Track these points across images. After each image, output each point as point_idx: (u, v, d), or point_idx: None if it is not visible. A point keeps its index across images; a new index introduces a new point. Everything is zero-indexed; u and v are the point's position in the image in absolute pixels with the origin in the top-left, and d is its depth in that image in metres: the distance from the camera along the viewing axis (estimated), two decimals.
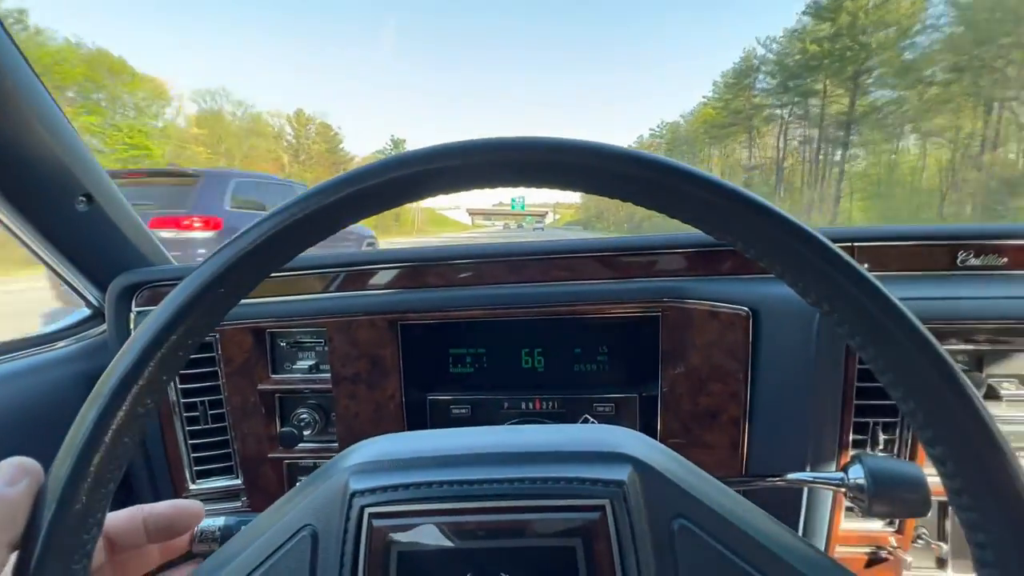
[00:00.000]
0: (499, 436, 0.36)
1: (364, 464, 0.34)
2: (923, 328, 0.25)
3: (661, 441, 0.77)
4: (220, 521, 0.59)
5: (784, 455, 0.69)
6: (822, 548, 0.66)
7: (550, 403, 0.85)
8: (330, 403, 0.83)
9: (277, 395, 0.85)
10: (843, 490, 0.49)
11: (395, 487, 0.32)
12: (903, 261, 0.76)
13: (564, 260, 0.81)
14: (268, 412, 0.84)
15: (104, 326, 0.86)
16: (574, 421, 0.84)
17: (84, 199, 0.74)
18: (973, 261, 0.74)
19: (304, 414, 0.84)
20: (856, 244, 0.75)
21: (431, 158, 0.27)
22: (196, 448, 0.84)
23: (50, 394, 0.76)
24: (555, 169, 0.27)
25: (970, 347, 0.62)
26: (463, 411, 0.87)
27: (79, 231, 0.77)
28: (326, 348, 0.82)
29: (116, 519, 0.41)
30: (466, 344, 0.94)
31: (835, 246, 0.26)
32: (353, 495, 0.32)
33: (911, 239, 0.75)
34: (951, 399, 0.24)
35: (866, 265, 0.76)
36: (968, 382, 0.24)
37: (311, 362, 0.85)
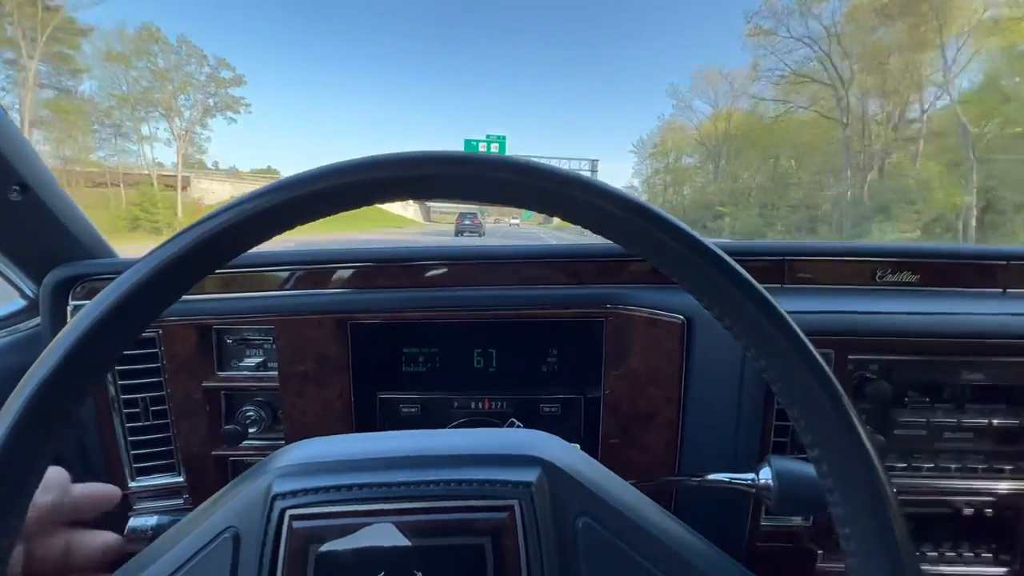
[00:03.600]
0: (420, 440, 0.38)
1: (288, 467, 0.36)
2: (807, 341, 0.28)
3: (602, 441, 0.81)
4: (152, 520, 0.59)
5: (714, 456, 0.73)
6: (745, 544, 0.70)
7: (499, 403, 0.87)
8: (277, 401, 0.83)
9: (223, 392, 0.84)
10: (753, 490, 0.53)
11: (315, 490, 0.34)
12: (829, 275, 0.81)
13: (514, 265, 0.83)
14: (213, 409, 0.83)
15: (39, 319, 0.83)
16: (523, 420, 0.86)
17: (18, 188, 0.71)
18: (890, 277, 0.80)
19: (251, 412, 0.83)
20: (787, 258, 0.80)
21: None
22: (136, 445, 0.82)
23: None
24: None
25: (881, 357, 0.67)
26: (413, 410, 0.88)
27: (12, 221, 0.74)
28: (274, 346, 0.81)
29: None
30: (419, 344, 0.95)
31: (706, 241, 0.28)
32: (275, 497, 0.33)
33: (836, 255, 0.81)
34: (828, 408, 0.27)
35: (802, 280, 0.81)
36: (843, 393, 0.27)
37: (258, 359, 0.84)
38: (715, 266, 0.28)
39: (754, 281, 0.28)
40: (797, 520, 0.70)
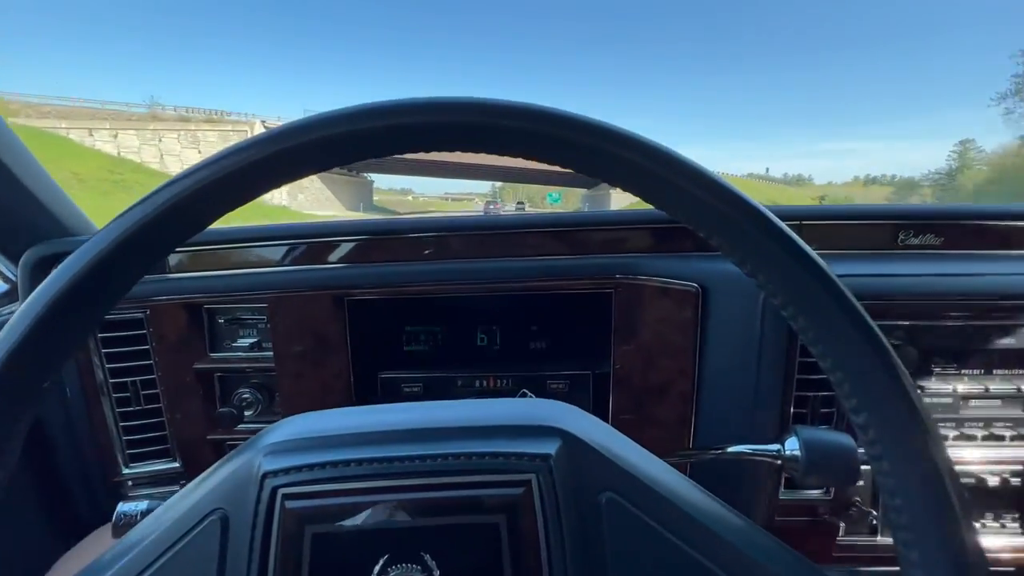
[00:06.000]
0: (426, 412, 0.35)
1: (279, 444, 0.32)
2: (855, 301, 0.25)
3: (613, 418, 0.78)
4: (143, 505, 0.56)
5: (730, 428, 0.70)
6: (763, 518, 0.68)
7: (504, 381, 0.84)
8: (274, 382, 0.80)
9: (217, 374, 0.81)
10: (779, 461, 0.50)
11: (310, 466, 0.31)
12: (848, 240, 0.77)
13: (517, 235, 0.79)
14: (207, 392, 0.80)
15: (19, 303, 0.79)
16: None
17: None
18: (913, 241, 0.76)
19: (246, 393, 0.80)
20: (804, 222, 0.76)
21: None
22: (128, 431, 0.79)
23: None
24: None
25: (905, 323, 0.64)
26: (415, 389, 0.85)
27: None
28: (268, 325, 0.78)
29: None
30: (421, 321, 0.92)
31: (765, 210, 0.25)
32: (265, 476, 0.30)
33: (856, 218, 0.77)
34: (878, 370, 0.24)
35: (815, 245, 0.77)
36: (894, 354, 0.24)
37: (252, 339, 0.81)
38: (750, 218, 0.25)
39: (793, 233, 0.25)
40: (816, 493, 0.68)
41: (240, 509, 0.30)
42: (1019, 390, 0.65)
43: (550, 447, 0.31)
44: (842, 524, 0.67)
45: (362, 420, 0.34)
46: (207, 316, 0.80)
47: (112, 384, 0.77)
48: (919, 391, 0.62)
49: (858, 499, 0.68)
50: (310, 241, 0.78)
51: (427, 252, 0.79)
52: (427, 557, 0.29)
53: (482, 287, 0.77)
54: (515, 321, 0.89)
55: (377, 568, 0.29)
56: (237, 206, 0.26)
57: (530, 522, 0.30)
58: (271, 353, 0.78)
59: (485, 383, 0.84)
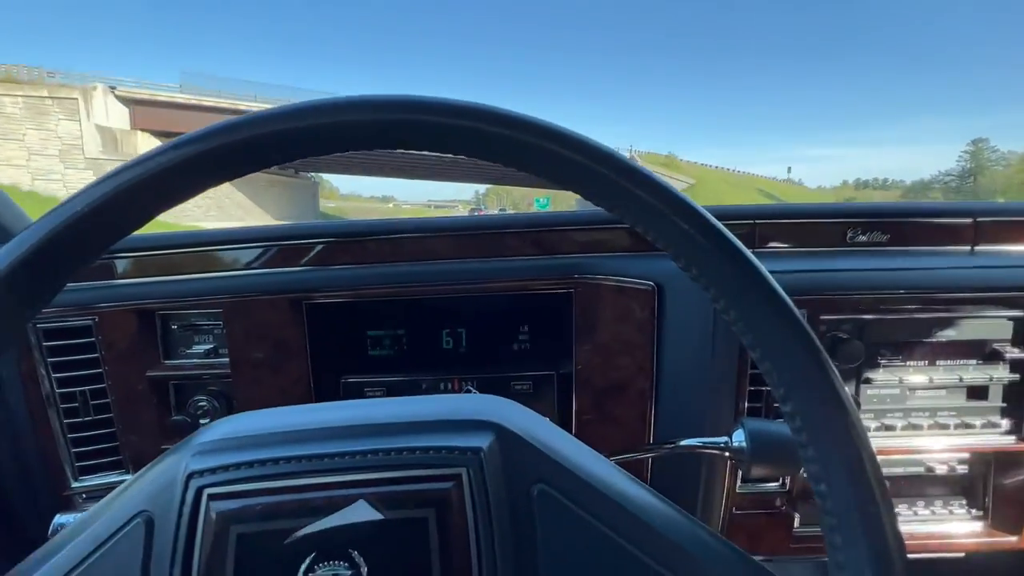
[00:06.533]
0: (360, 409, 0.35)
1: (208, 443, 0.32)
2: (780, 290, 0.25)
3: (576, 417, 0.78)
4: (82, 516, 0.54)
5: (689, 424, 0.71)
6: (722, 511, 0.69)
7: (469, 383, 0.84)
8: (231, 389, 0.78)
9: (171, 382, 0.79)
10: (727, 453, 0.51)
11: (236, 465, 0.30)
12: (800, 238, 0.80)
13: (477, 236, 0.80)
14: (161, 400, 0.78)
15: None
16: None
17: None
18: (861, 238, 0.79)
19: (203, 402, 0.78)
20: (758, 221, 0.78)
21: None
22: (77, 442, 0.76)
23: None
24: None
25: (854, 316, 0.66)
26: (378, 393, 0.84)
27: None
28: (224, 331, 0.76)
29: None
30: (384, 325, 0.91)
31: (695, 203, 0.26)
32: (191, 476, 0.30)
33: (806, 217, 0.79)
34: (802, 359, 0.25)
35: (773, 244, 0.80)
36: (819, 343, 0.25)
37: (208, 346, 0.79)
38: (680, 212, 0.26)
39: (722, 227, 0.26)
40: (772, 485, 0.69)
41: (165, 511, 0.30)
42: (961, 380, 0.67)
43: (482, 441, 0.31)
44: (797, 515, 0.68)
45: (295, 419, 0.34)
46: (160, 322, 0.78)
47: (60, 395, 0.74)
48: (865, 381, 0.64)
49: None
50: (266, 244, 0.77)
51: (376, 254, 0.79)
52: (355, 554, 0.29)
53: (445, 289, 0.77)
54: (480, 323, 0.89)
55: (304, 566, 0.29)
56: (160, 211, 0.26)
57: (460, 516, 0.30)
58: (228, 359, 0.76)
59: (450, 386, 0.84)
